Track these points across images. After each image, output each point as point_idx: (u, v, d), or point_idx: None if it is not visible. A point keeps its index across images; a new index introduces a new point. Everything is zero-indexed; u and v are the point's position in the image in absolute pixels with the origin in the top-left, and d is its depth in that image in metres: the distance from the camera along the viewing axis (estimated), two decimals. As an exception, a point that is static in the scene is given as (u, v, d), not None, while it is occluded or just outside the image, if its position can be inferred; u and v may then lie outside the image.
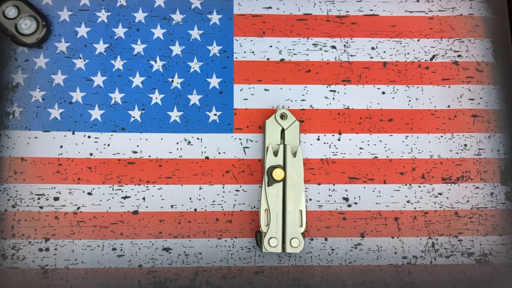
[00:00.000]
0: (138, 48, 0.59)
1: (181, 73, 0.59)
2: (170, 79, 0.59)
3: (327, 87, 0.59)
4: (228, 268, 0.55)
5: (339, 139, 0.58)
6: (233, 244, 0.55)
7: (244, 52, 0.59)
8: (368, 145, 0.58)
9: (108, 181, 0.56)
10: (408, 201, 0.57)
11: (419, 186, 0.57)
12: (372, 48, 0.60)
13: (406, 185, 0.57)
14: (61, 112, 0.57)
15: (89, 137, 0.57)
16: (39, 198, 0.55)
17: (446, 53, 0.60)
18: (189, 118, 0.58)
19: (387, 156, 0.58)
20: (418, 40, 0.60)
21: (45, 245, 0.54)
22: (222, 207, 0.56)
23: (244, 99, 0.58)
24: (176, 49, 0.59)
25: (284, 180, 0.54)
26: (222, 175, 0.57)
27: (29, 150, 0.56)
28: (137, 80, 0.58)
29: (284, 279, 0.55)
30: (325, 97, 0.59)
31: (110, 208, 0.56)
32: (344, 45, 0.60)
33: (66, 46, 0.59)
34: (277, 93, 0.59)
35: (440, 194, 0.57)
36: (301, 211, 0.54)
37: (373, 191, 0.57)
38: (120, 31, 0.59)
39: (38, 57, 0.58)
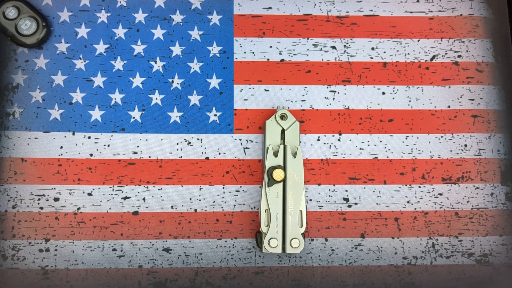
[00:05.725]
0: (138, 48, 0.59)
1: (181, 74, 0.59)
2: (170, 80, 0.59)
3: (327, 87, 0.59)
4: (228, 269, 0.55)
5: (339, 140, 0.58)
6: (233, 245, 0.55)
7: (244, 52, 0.59)
8: (368, 145, 0.58)
9: (108, 182, 0.56)
10: (408, 202, 0.57)
11: (419, 187, 0.57)
12: (372, 49, 0.60)
13: (406, 185, 0.57)
14: (61, 113, 0.57)
15: (89, 137, 0.57)
16: (39, 199, 0.55)
17: (446, 54, 0.60)
18: (189, 118, 0.58)
19: (387, 157, 0.58)
20: (418, 41, 0.60)
21: (45, 246, 0.54)
22: (222, 207, 0.56)
23: (244, 100, 0.58)
24: (176, 50, 0.59)
25: (284, 180, 0.54)
26: (222, 176, 0.57)
27: (29, 150, 0.56)
28: (137, 81, 0.58)
29: (284, 280, 0.55)
30: (325, 97, 0.59)
31: (110, 208, 0.56)
32: (344, 46, 0.60)
33: (66, 46, 0.59)
34: (277, 94, 0.59)
35: (440, 194, 0.57)
36: (301, 211, 0.54)
37: (373, 191, 0.57)
38: (120, 31, 0.59)
39: (38, 57, 0.58)
